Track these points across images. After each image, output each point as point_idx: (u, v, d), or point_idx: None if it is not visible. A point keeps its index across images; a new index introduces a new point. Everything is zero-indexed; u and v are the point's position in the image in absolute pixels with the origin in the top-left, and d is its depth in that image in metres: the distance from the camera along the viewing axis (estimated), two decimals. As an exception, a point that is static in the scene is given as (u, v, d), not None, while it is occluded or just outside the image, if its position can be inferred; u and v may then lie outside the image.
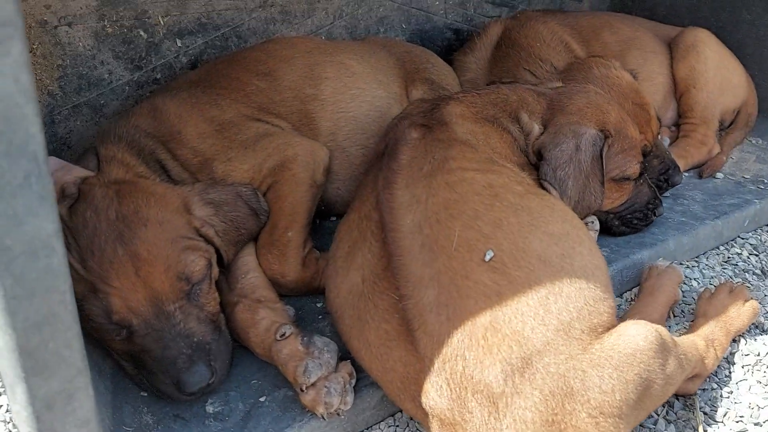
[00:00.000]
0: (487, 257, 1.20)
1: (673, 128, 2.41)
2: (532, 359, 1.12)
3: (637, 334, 1.20)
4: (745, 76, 2.46)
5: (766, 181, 2.23)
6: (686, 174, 2.28)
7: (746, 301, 1.61)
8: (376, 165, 1.47)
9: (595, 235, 1.71)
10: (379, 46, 2.03)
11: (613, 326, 1.24)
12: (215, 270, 1.34)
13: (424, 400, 1.17)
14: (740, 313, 1.58)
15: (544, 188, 1.59)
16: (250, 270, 1.46)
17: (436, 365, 1.15)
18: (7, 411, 1.36)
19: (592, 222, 1.72)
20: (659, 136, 2.25)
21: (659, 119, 2.04)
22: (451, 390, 1.14)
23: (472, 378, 1.12)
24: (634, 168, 1.73)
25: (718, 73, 2.31)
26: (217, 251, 1.37)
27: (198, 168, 1.51)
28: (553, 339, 1.14)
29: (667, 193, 2.10)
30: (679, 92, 2.34)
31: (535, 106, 1.70)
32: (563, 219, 1.34)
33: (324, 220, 1.84)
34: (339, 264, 1.35)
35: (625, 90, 1.93)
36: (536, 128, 1.66)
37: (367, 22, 2.27)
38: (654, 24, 2.51)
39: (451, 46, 2.50)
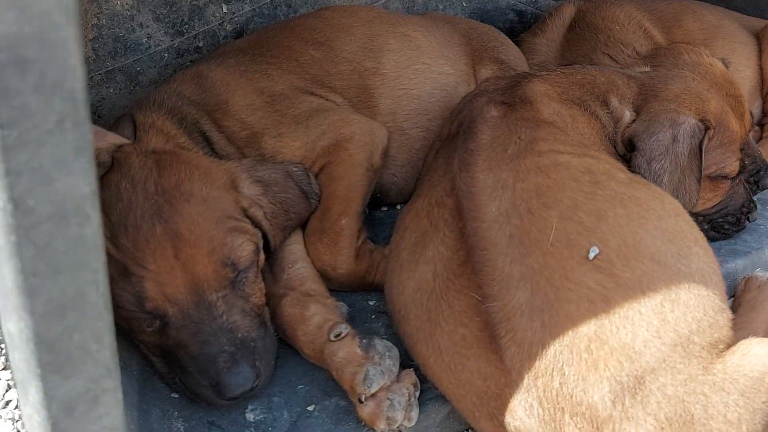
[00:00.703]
0: (591, 255, 1.00)
1: (757, 128, 2.19)
2: (646, 379, 0.93)
3: (765, 354, 1.01)
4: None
5: None
6: None
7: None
8: (448, 146, 1.29)
9: (686, 239, 1.51)
10: (442, 21, 1.85)
11: (732, 342, 1.05)
12: (262, 257, 1.17)
13: (508, 419, 0.98)
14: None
15: (635, 182, 1.40)
16: (298, 259, 1.28)
17: (526, 380, 0.96)
18: (16, 408, 1.19)
19: (684, 224, 1.52)
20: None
21: (752, 114, 1.83)
22: (543, 410, 0.95)
23: (572, 397, 0.93)
24: (733, 165, 1.53)
25: (811, 69, 2.09)
26: (264, 236, 1.20)
27: (245, 143, 1.33)
28: (670, 355, 0.95)
29: (755, 196, 1.88)
30: (765, 88, 2.12)
31: (625, 90, 1.50)
32: (676, 213, 1.14)
33: (374, 210, 1.66)
34: (404, 257, 1.16)
35: (719, 79, 1.72)
36: (627, 114, 1.47)
37: (426, -1, 2.08)
38: (737, 14, 2.29)
39: (514, 29, 2.30)
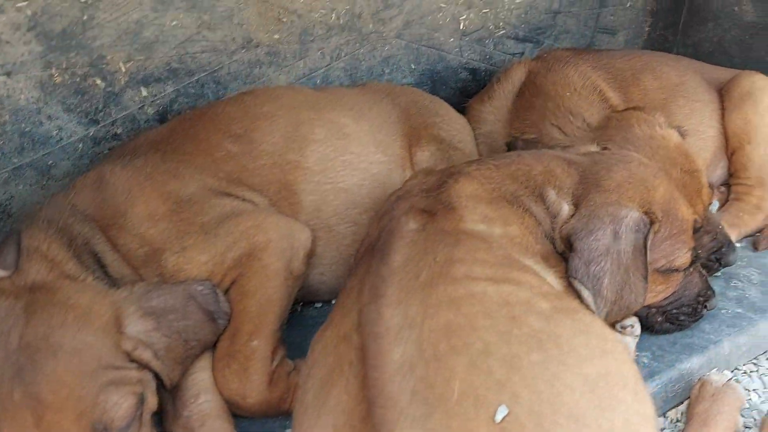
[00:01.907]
0: (499, 416, 0.89)
1: (723, 188, 2.08)
2: None
3: None
4: (808, 126, 2.12)
5: (834, 254, 1.90)
6: (739, 245, 1.95)
7: None
8: (367, 259, 1.18)
9: (635, 341, 1.40)
10: (381, 94, 1.74)
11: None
12: (151, 403, 1.05)
13: None
14: None
15: (572, 287, 1.29)
16: (201, 392, 1.17)
17: None
18: None
19: (632, 326, 1.40)
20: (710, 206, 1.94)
21: (711, 187, 1.72)
22: None
23: None
24: (684, 257, 1.41)
25: (778, 126, 1.98)
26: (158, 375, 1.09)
27: (143, 262, 1.22)
28: None
29: (718, 273, 1.78)
30: (731, 148, 2.01)
31: (564, 180, 1.39)
32: (602, 350, 1.02)
33: (308, 307, 1.55)
34: (309, 400, 1.04)
35: (673, 154, 1.62)
36: (565, 208, 1.35)
37: (369, 63, 1.98)
38: (701, 65, 2.18)
39: (467, 88, 2.21)
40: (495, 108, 1.89)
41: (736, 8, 2.33)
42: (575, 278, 1.28)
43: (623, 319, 1.40)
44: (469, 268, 1.07)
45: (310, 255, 1.38)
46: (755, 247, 1.92)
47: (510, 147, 1.71)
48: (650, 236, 1.35)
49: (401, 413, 0.91)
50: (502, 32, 2.23)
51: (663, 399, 1.41)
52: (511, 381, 0.92)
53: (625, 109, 1.77)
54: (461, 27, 2.12)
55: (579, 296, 1.29)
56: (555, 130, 1.75)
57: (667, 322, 1.51)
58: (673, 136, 1.66)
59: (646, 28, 2.61)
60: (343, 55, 1.91)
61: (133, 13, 1.52)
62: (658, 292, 1.46)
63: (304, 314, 1.54)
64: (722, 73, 2.13)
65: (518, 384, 0.92)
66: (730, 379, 1.40)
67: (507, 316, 1.00)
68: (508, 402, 0.90)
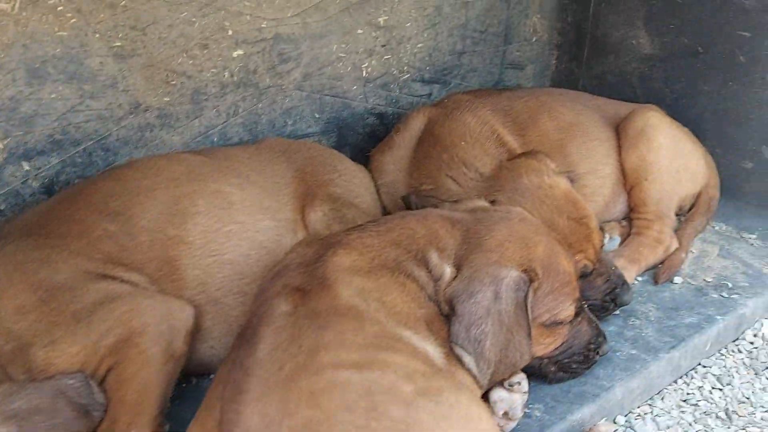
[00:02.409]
0: None
1: (624, 223, 2.13)
2: None
3: None
4: (704, 157, 2.20)
5: (730, 285, 1.96)
6: (640, 278, 2.00)
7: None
8: (236, 345, 1.17)
9: (523, 398, 1.42)
10: (276, 153, 1.73)
11: None
12: None
13: None
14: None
15: (454, 353, 1.30)
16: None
17: None
18: None
19: (519, 383, 1.42)
20: (604, 246, 1.98)
21: (603, 230, 1.76)
22: None
23: None
24: (567, 310, 1.44)
25: (673, 161, 2.04)
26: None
27: (10, 358, 1.19)
28: None
29: (616, 311, 1.82)
30: (629, 184, 2.06)
31: (447, 241, 1.40)
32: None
33: (202, 378, 1.52)
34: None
35: (560, 202, 1.65)
36: (448, 271, 1.36)
37: (270, 116, 1.97)
38: (602, 101, 2.24)
39: (375, 132, 2.22)
40: (395, 158, 1.90)
41: (634, 41, 2.40)
42: (456, 344, 1.30)
43: (510, 376, 1.42)
44: (336, 354, 1.07)
45: (195, 332, 1.36)
46: (655, 280, 1.97)
47: (405, 201, 1.72)
48: (530, 294, 1.37)
49: None
50: (406, 76, 2.25)
51: (555, 452, 1.44)
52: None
53: (517, 157, 1.80)
54: (364, 74, 2.13)
55: (461, 361, 1.31)
56: (450, 181, 1.77)
57: (561, 371, 1.54)
58: (561, 183, 1.69)
59: (553, 61, 2.67)
60: (240, 111, 1.90)
61: (6, 90, 1.48)
62: (547, 345, 1.48)
63: (199, 386, 1.51)
64: (621, 109, 2.19)
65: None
66: (622, 424, 1.43)
67: (367, 408, 1.00)
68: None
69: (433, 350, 1.27)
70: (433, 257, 1.37)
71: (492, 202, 1.62)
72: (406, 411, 1.01)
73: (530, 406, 1.49)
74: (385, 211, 1.89)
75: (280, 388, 1.02)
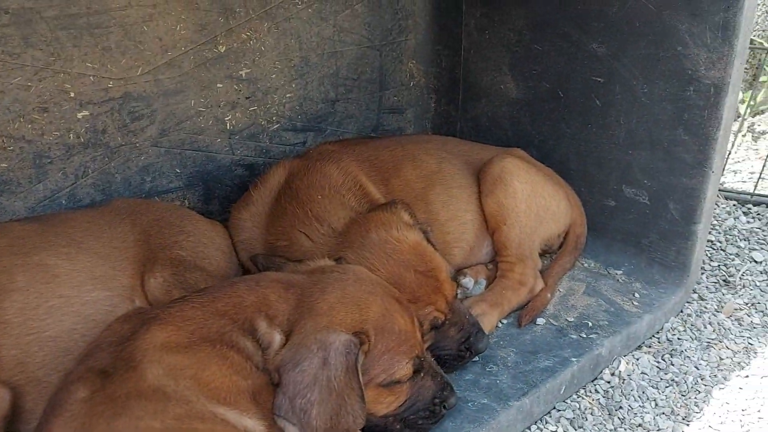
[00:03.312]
0: None
1: (491, 266, 2.17)
2: None
3: None
4: (568, 197, 2.27)
5: (590, 323, 2.01)
6: (505, 321, 2.03)
7: None
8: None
9: (359, 462, 1.41)
10: (121, 215, 1.69)
11: None
12: None
13: None
14: None
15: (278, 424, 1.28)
16: None
17: None
18: None
19: (355, 447, 1.41)
20: (470, 290, 2.01)
21: (456, 280, 1.78)
22: None
23: None
24: (404, 369, 1.44)
25: (531, 205, 2.09)
26: None
27: None
28: None
29: (477, 357, 1.84)
30: (490, 229, 2.10)
31: (279, 307, 1.39)
32: None
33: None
34: None
35: (407, 256, 1.67)
36: (277, 339, 1.35)
37: (125, 174, 1.93)
38: (468, 147, 2.29)
39: (245, 184, 2.19)
40: (252, 214, 1.88)
41: (502, 86, 2.47)
42: (279, 415, 1.28)
43: (346, 440, 1.41)
44: (125, 444, 1.04)
45: (13, 415, 1.30)
46: (519, 323, 2.00)
47: (253, 262, 1.70)
48: (361, 357, 1.37)
49: None
50: (276, 126, 2.25)
51: None
52: None
53: (372, 210, 1.81)
54: (228, 127, 2.12)
55: (284, 432, 1.29)
56: (303, 237, 1.76)
57: (407, 428, 1.53)
58: (410, 237, 1.70)
59: (432, 105, 2.72)
60: (90, 171, 1.85)
61: None
62: (389, 404, 1.48)
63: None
64: (486, 154, 2.24)
65: None
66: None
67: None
68: None
69: (254, 424, 1.25)
70: (262, 325, 1.35)
71: (339, 260, 1.63)
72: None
73: (374, 467, 1.48)
74: (244, 269, 1.87)
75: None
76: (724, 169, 3.11)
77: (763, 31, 3.47)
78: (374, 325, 1.41)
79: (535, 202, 2.10)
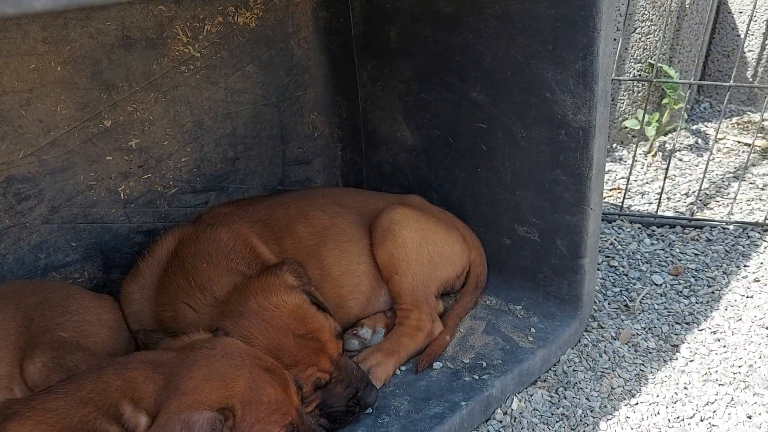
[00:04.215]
0: None
1: (389, 314, 2.24)
2: None
3: None
4: (464, 239, 2.35)
5: (485, 363, 2.08)
6: (404, 368, 2.10)
7: None
8: None
9: None
10: (5, 302, 1.71)
11: None
12: None
13: None
14: None
15: None
16: None
17: None
18: None
19: None
20: (344, 353, 2.06)
21: (341, 335, 1.84)
22: None
23: None
24: (277, 435, 1.49)
25: (423, 252, 2.17)
26: None
27: None
28: None
29: (370, 409, 1.89)
30: (384, 279, 2.17)
31: (145, 389, 1.43)
32: None
33: None
34: None
35: (286, 321, 1.72)
36: (143, 421, 1.39)
37: (17, 254, 1.96)
38: (365, 198, 2.36)
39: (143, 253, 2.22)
40: (140, 286, 1.92)
41: (399, 134, 2.56)
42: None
43: None
44: None
45: None
46: (416, 369, 2.07)
47: (135, 337, 1.74)
48: (225, 431, 1.42)
49: None
50: (174, 190, 2.29)
51: None
52: None
53: (257, 274, 1.86)
54: (122, 197, 2.16)
55: None
56: (187, 308, 1.80)
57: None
58: (290, 301, 1.75)
59: (339, 153, 2.79)
60: (-22, 256, 1.89)
61: None
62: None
63: None
64: (381, 203, 2.31)
65: None
66: None
67: None
68: None
69: None
70: (127, 410, 1.39)
71: (216, 330, 1.67)
72: None
73: None
74: (136, 340, 1.90)
75: None
76: (626, 192, 3.23)
77: (663, 55, 3.63)
78: (241, 399, 1.45)
79: (427, 249, 2.18)
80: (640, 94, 3.67)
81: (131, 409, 1.39)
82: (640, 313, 2.46)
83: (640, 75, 3.58)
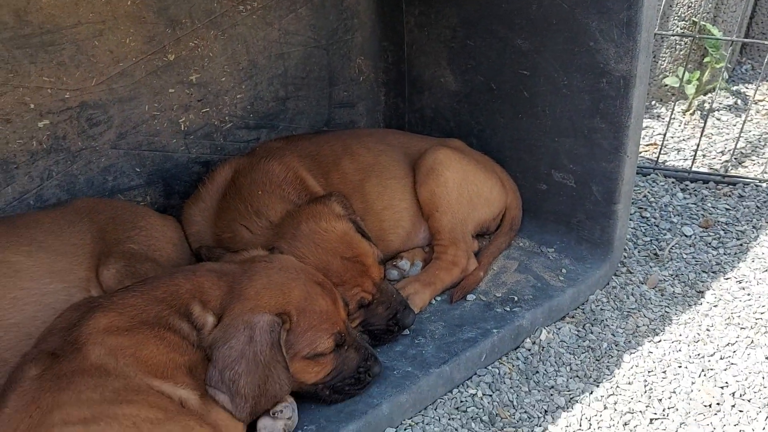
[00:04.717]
0: None
1: (428, 249, 2.37)
2: None
3: None
4: (502, 182, 2.45)
5: (516, 298, 2.21)
6: (439, 298, 2.23)
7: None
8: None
9: (287, 423, 1.61)
10: (80, 214, 1.88)
11: None
12: None
13: None
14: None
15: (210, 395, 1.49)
16: None
17: None
18: None
19: (281, 411, 1.62)
20: (406, 271, 2.20)
21: (383, 261, 1.98)
22: None
23: None
24: (326, 343, 1.65)
25: (463, 192, 2.28)
26: None
27: None
28: None
29: (407, 330, 2.04)
30: (425, 215, 2.29)
31: (211, 293, 1.59)
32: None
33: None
34: None
35: (334, 245, 1.86)
36: (210, 320, 1.56)
37: (87, 175, 2.12)
38: (408, 139, 2.47)
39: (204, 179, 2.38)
40: (201, 209, 2.08)
41: (442, 80, 2.65)
42: (210, 386, 1.49)
43: (274, 405, 1.61)
44: (67, 413, 1.24)
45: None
46: (451, 299, 2.20)
47: (196, 254, 1.90)
48: (283, 334, 1.57)
49: None
50: (229, 125, 2.43)
51: (319, 470, 1.64)
52: None
53: (308, 202, 2.00)
54: (182, 128, 2.30)
55: (215, 400, 1.50)
56: (244, 230, 1.96)
57: (335, 393, 1.74)
58: (338, 227, 1.89)
59: (382, 98, 2.89)
60: (54, 174, 2.05)
61: None
62: (316, 373, 1.69)
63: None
64: (424, 145, 2.42)
65: None
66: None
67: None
68: None
69: (188, 394, 1.46)
70: (196, 309, 1.56)
71: (272, 249, 1.82)
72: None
73: (304, 426, 1.69)
74: (196, 258, 2.06)
75: (9, 449, 1.19)
76: (662, 147, 3.29)
77: (707, 13, 3.61)
78: (296, 307, 1.61)
79: (467, 189, 2.29)
80: (681, 52, 3.68)
81: (200, 309, 1.56)
82: (668, 261, 2.55)
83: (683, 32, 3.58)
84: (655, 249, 2.63)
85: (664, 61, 3.67)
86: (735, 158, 3.26)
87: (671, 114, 3.19)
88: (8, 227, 1.75)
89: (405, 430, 1.80)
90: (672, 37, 3.36)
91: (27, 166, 1.99)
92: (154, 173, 2.28)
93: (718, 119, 3.66)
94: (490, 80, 2.49)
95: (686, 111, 3.70)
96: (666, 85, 3.71)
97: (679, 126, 3.60)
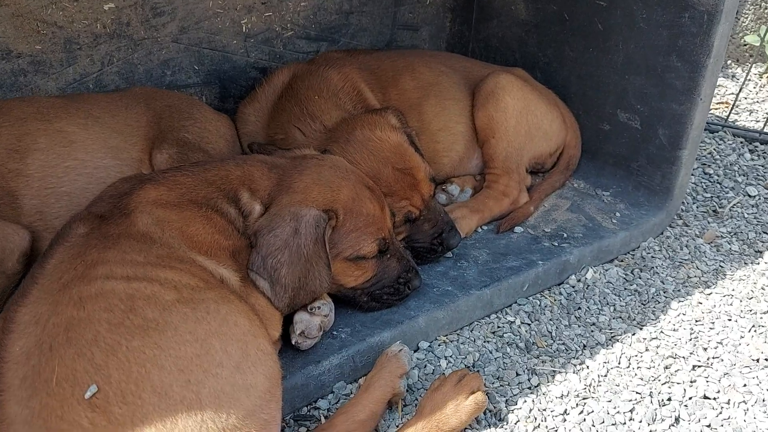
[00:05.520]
0: (88, 394, 1.08)
1: (479, 177, 2.31)
2: None
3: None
4: (563, 118, 2.36)
5: (566, 234, 2.15)
6: (486, 227, 2.19)
7: (472, 393, 1.53)
8: (38, 261, 1.35)
9: (323, 320, 1.61)
10: (137, 99, 1.89)
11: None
12: None
13: None
14: (458, 409, 1.49)
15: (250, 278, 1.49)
16: None
17: None
18: None
19: (320, 307, 1.61)
20: (455, 197, 2.16)
21: (434, 180, 1.94)
22: None
23: None
24: (369, 247, 1.63)
25: (522, 121, 2.20)
26: None
27: None
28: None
29: (450, 253, 2.01)
30: (480, 141, 2.23)
31: (261, 183, 1.58)
32: (208, 332, 1.21)
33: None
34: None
35: (387, 154, 1.82)
36: (257, 208, 1.55)
37: (147, 66, 2.12)
38: (471, 64, 2.39)
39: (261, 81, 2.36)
40: (256, 110, 2.06)
41: (513, 7, 2.54)
42: (252, 270, 1.49)
43: (312, 301, 1.61)
44: (110, 269, 1.25)
45: (30, 254, 1.55)
46: (497, 229, 2.15)
47: (249, 148, 1.89)
48: (328, 231, 1.56)
49: (13, 396, 1.10)
50: (290, 33, 2.39)
51: (352, 368, 1.64)
52: (108, 364, 1.11)
53: (363, 113, 1.96)
54: (244, 30, 2.27)
55: (255, 285, 1.50)
56: (297, 132, 1.93)
57: (373, 300, 1.73)
58: (392, 137, 1.85)
59: (447, 24, 2.80)
60: (115, 60, 2.05)
61: None
62: (356, 277, 1.67)
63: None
64: (486, 71, 2.34)
65: (113, 367, 1.11)
66: (401, 350, 1.62)
67: (124, 310, 1.18)
68: (101, 382, 1.10)
69: (230, 274, 1.46)
70: (245, 196, 1.55)
71: (325, 152, 1.80)
72: (161, 313, 1.20)
73: (339, 329, 1.69)
74: (247, 156, 2.06)
75: (54, 293, 1.20)
76: (734, 107, 3.12)
77: (804, -32, 3.37)
78: (344, 206, 1.59)
79: (526, 119, 2.21)
80: (766, 11, 3.45)
81: (248, 196, 1.55)
82: (728, 219, 2.44)
83: (773, -11, 3.35)
84: (714, 206, 2.52)
85: (746, 18, 3.45)
86: (813, 125, 3.07)
87: (747, 73, 3.00)
88: (66, 100, 1.77)
89: (439, 345, 1.78)
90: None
91: (89, 48, 1.99)
92: (211, 73, 2.27)
93: (799, 85, 3.45)
94: (564, 10, 2.38)
95: (764, 73, 3.49)
96: (745, 44, 3.50)
97: (755, 88, 3.41)
